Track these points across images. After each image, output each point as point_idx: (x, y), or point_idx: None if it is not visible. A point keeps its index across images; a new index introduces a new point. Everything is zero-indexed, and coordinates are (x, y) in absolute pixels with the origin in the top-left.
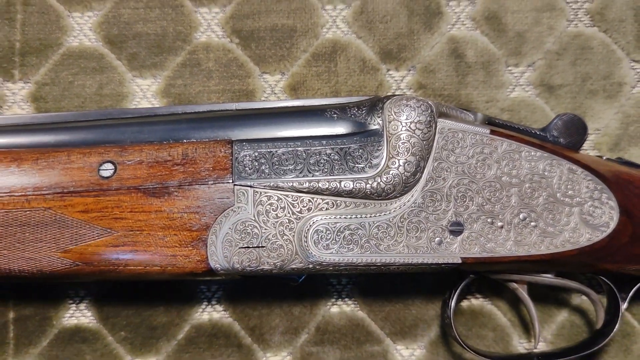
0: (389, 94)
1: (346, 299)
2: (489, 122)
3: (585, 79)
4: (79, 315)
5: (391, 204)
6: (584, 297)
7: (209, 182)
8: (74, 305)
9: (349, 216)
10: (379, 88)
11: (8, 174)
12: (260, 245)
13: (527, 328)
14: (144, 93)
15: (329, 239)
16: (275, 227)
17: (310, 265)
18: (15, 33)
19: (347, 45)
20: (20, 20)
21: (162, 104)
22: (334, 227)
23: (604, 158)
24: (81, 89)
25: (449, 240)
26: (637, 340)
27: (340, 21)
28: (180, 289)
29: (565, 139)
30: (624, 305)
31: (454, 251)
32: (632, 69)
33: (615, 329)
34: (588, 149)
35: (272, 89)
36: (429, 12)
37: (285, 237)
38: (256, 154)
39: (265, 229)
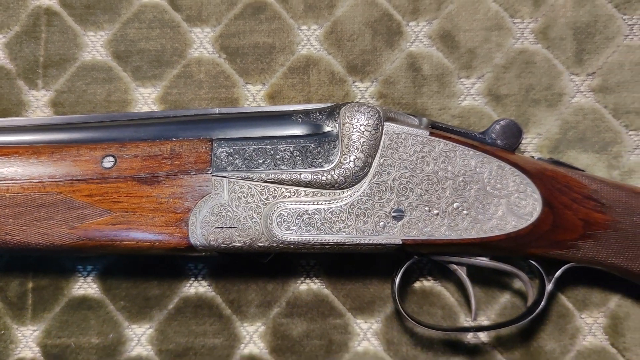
0: (347, 102)
1: (313, 278)
2: (433, 125)
3: (529, 90)
4: (86, 287)
5: (343, 193)
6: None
7: (192, 173)
8: (82, 278)
9: (307, 203)
10: (345, 97)
11: (29, 164)
12: (232, 226)
13: (471, 308)
14: (145, 100)
15: (290, 221)
16: (246, 211)
17: (274, 244)
18: (39, 49)
19: (318, 60)
20: (44, 39)
21: (160, 110)
22: (295, 211)
23: (536, 158)
24: (93, 96)
25: (391, 224)
26: (570, 320)
27: (314, 39)
28: (171, 266)
29: (502, 141)
30: (549, 286)
31: (395, 234)
32: (571, 81)
33: (541, 306)
34: (531, 151)
35: (253, 97)
36: (391, 32)
37: (253, 219)
38: (231, 150)
39: (237, 213)
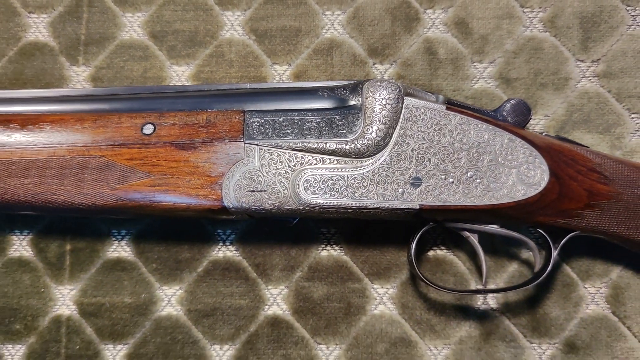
0: (369, 78)
1: (334, 245)
2: (449, 102)
3: (537, 74)
4: (120, 250)
5: (365, 161)
6: (531, 252)
7: (225, 141)
8: (117, 241)
9: (332, 170)
10: (366, 77)
11: (74, 130)
12: (262, 190)
13: (482, 274)
14: (179, 77)
15: (316, 186)
16: (275, 177)
17: (301, 207)
18: (81, 28)
19: (341, 43)
20: (85, 18)
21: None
22: (320, 177)
23: (544, 134)
24: (130, 72)
25: (409, 191)
26: (575, 289)
27: (337, 24)
28: (201, 231)
29: (512, 119)
30: (555, 252)
31: (413, 199)
32: (576, 67)
33: (547, 271)
34: (538, 131)
35: (280, 77)
36: (409, 18)
37: (282, 184)
38: (262, 120)
39: (267, 177)
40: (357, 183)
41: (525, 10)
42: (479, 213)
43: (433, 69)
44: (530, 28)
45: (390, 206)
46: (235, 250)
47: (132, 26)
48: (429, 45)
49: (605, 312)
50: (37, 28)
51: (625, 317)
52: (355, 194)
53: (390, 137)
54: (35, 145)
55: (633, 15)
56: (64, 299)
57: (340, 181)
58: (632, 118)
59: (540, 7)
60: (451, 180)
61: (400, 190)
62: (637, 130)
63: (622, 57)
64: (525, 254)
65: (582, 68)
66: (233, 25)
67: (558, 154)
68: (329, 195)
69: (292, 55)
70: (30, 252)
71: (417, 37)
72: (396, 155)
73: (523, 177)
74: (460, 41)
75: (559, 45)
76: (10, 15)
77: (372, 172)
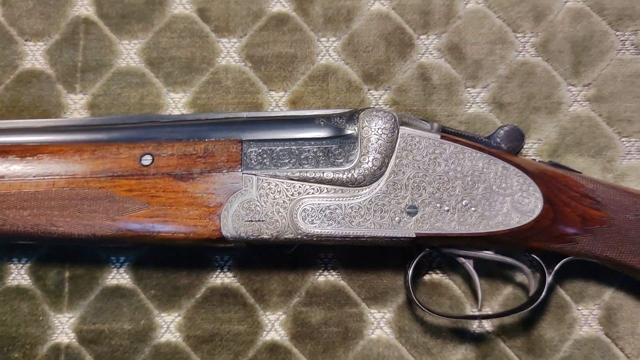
0: (365, 107)
1: (331, 270)
2: (443, 130)
3: (530, 99)
4: (119, 277)
5: (362, 190)
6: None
7: (224, 171)
8: (115, 268)
9: (329, 199)
10: (361, 103)
11: (73, 161)
12: (261, 220)
13: (477, 298)
14: (176, 104)
15: (314, 216)
16: (273, 206)
17: (299, 236)
18: (78, 55)
19: (336, 70)
20: (82, 46)
21: (190, 113)
22: (318, 207)
23: (537, 160)
24: (127, 99)
25: (406, 219)
26: (568, 311)
27: (332, 50)
28: (199, 257)
29: (506, 145)
30: (549, 277)
31: (409, 228)
32: (568, 91)
33: (542, 296)
34: (532, 155)
35: (276, 103)
36: (403, 44)
37: (280, 213)
38: (260, 150)
39: (265, 207)
40: (354, 212)
41: (518, 35)
42: (474, 240)
43: (427, 94)
44: (522, 53)
45: (387, 235)
46: (233, 276)
47: (129, 53)
48: (423, 70)
49: (598, 334)
50: (34, 56)
51: (618, 338)
52: (353, 223)
53: (387, 167)
54: (34, 176)
55: (622, 40)
56: (63, 327)
57: (337, 210)
58: (622, 141)
59: (532, 32)
60: (446, 208)
61: (397, 218)
62: (628, 154)
63: (612, 81)
64: (520, 277)
65: (574, 92)
66: (229, 52)
67: (551, 181)
68: (327, 224)
69: (288, 81)
70: (29, 280)
71: (411, 62)
72: (392, 184)
73: (517, 204)
74: (453, 66)
75: (551, 69)
76: (7, 43)
77: (369, 201)
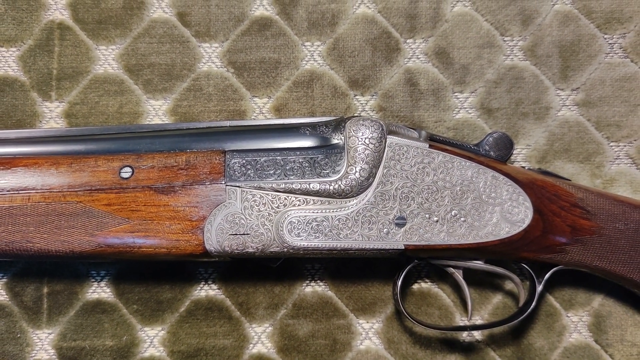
0: (351, 115)
1: (318, 281)
2: (431, 138)
3: (518, 104)
4: (99, 291)
5: (349, 201)
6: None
7: (206, 183)
8: (96, 282)
9: (316, 211)
10: (347, 110)
11: (49, 174)
12: (245, 233)
13: (466, 308)
14: (156, 112)
15: (300, 228)
16: (258, 219)
17: (285, 249)
18: (53, 62)
19: (322, 75)
20: (57, 52)
21: (170, 121)
22: (304, 219)
23: (527, 168)
24: (105, 108)
25: (394, 231)
26: (558, 319)
27: (317, 55)
28: (182, 270)
29: (495, 152)
30: (539, 287)
31: (398, 239)
32: (557, 96)
33: (532, 306)
34: (521, 161)
35: (260, 110)
36: (389, 49)
37: (265, 226)
38: (244, 161)
39: (249, 220)
40: (342, 224)
41: (506, 39)
42: (463, 251)
43: (414, 100)
44: (510, 57)
45: (375, 247)
46: (218, 289)
47: (107, 59)
48: (410, 75)
49: (588, 341)
50: (7, 62)
51: (607, 345)
52: (340, 235)
53: (374, 177)
54: (8, 191)
55: (610, 44)
56: (42, 344)
57: (324, 222)
58: (611, 146)
59: (520, 36)
60: (435, 219)
61: (385, 230)
62: (616, 159)
63: (601, 85)
64: (509, 285)
65: (562, 97)
66: (211, 58)
67: (541, 190)
68: (314, 237)
69: (271, 88)
70: (5, 297)
71: (398, 67)
72: (380, 195)
73: (507, 214)
74: (441, 71)
75: (539, 74)
76: None
77: (357, 213)
